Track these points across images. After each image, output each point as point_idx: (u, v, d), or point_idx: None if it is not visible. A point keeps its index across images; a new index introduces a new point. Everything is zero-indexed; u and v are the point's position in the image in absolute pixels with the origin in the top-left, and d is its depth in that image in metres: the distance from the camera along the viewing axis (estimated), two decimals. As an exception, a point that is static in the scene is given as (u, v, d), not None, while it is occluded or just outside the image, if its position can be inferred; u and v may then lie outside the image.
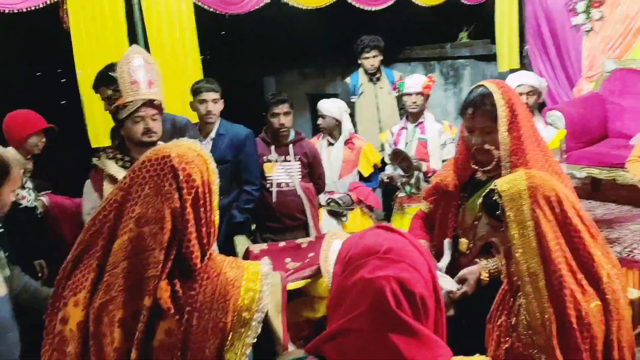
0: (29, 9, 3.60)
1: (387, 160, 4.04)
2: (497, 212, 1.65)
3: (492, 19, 6.18)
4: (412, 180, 3.78)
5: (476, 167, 2.13)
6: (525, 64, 6.21)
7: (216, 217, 1.44)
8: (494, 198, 1.65)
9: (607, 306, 1.57)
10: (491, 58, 6.39)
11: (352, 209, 3.93)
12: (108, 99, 2.49)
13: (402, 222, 3.88)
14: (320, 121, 4.04)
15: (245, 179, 3.45)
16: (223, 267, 1.38)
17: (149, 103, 2.40)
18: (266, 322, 1.41)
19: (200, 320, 1.31)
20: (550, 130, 3.44)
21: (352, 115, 4.88)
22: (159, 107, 2.46)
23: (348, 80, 5.05)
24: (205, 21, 4.37)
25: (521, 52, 6.22)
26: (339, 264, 1.17)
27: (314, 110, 8.33)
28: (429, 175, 3.73)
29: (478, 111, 2.02)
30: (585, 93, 5.13)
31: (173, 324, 1.31)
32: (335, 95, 4.96)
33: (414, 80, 3.82)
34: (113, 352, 1.30)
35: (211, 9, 4.35)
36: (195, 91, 3.44)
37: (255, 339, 1.34)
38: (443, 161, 3.75)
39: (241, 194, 3.44)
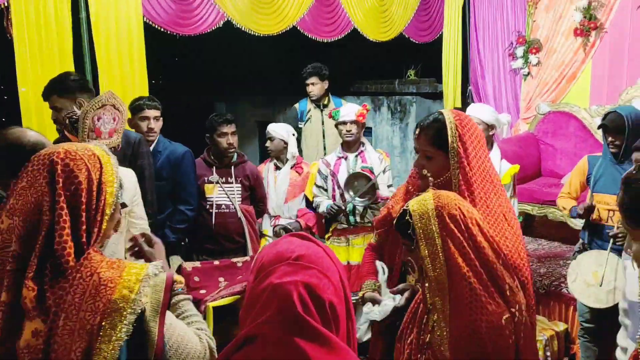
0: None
1: (315, 191, 3.92)
2: (409, 231, 1.72)
3: (439, 59, 6.45)
4: (370, 202, 3.71)
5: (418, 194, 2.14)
6: (468, 103, 6.48)
7: (111, 219, 1.40)
8: (406, 218, 1.72)
9: (513, 318, 1.64)
10: (437, 96, 6.65)
11: (305, 230, 3.90)
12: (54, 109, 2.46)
13: (349, 253, 3.83)
14: (268, 144, 4.05)
15: (181, 197, 3.40)
16: (99, 267, 1.31)
17: None
18: (143, 324, 1.33)
19: (67, 322, 1.25)
20: (504, 164, 3.46)
21: (298, 140, 4.92)
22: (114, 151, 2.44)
23: (297, 105, 5.12)
24: (157, 42, 4.35)
25: (465, 91, 6.50)
26: (252, 272, 1.17)
27: (262, 137, 8.38)
28: (379, 201, 3.75)
29: (422, 133, 2.03)
30: (520, 133, 5.38)
31: (39, 325, 1.25)
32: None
33: (348, 108, 3.85)
34: None
35: (162, 29, 4.35)
36: (137, 108, 3.41)
37: (124, 343, 1.28)
38: (388, 186, 3.82)
39: (175, 213, 3.39)
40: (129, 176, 2.51)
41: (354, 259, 3.79)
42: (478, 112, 3.51)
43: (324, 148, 4.88)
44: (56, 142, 3.23)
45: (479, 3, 6.21)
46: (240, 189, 3.62)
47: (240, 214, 3.60)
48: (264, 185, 3.85)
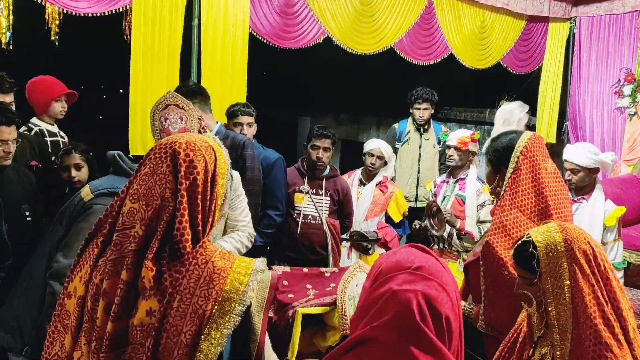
0: (95, 15, 3.76)
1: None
2: (532, 263, 1.63)
3: (535, 91, 6.25)
4: (444, 235, 3.72)
5: None
6: (563, 139, 6.22)
7: (220, 209, 1.44)
8: (530, 249, 1.63)
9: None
10: (529, 129, 6.41)
11: (378, 240, 3.87)
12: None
13: None
14: (373, 160, 4.01)
15: (269, 203, 3.44)
16: (213, 256, 1.36)
17: None
18: (247, 317, 1.38)
19: (180, 304, 1.29)
20: (609, 205, 3.28)
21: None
22: None
23: (396, 126, 5.10)
24: (249, 55, 4.48)
25: (560, 127, 6.24)
26: (369, 279, 1.17)
27: (345, 154, 8.44)
28: (463, 233, 3.67)
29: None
30: (622, 174, 5.08)
31: (154, 304, 1.30)
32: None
33: (456, 134, 3.81)
34: (98, 326, 1.30)
35: (265, 40, 4.48)
36: (232, 114, 3.51)
37: (231, 331, 1.31)
38: (478, 222, 3.69)
39: (264, 218, 3.43)
40: (233, 176, 2.57)
41: None
42: (574, 156, 3.26)
43: (418, 171, 4.84)
44: None
45: (585, 38, 5.98)
46: (329, 202, 3.63)
47: (325, 226, 3.60)
48: (352, 202, 3.84)
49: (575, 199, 3.32)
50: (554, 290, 1.58)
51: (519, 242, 1.71)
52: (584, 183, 3.28)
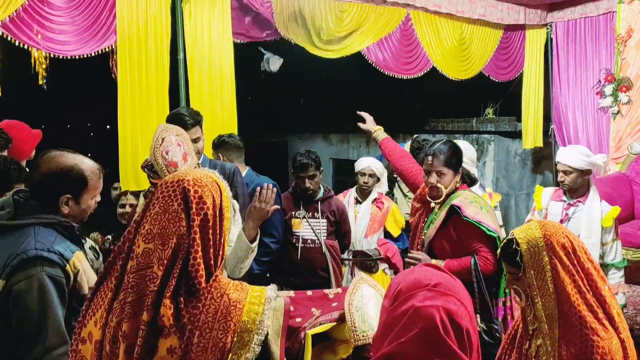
0: (80, 57, 3.80)
1: None
2: (517, 259, 1.76)
3: (519, 97, 6.35)
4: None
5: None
6: (550, 142, 6.31)
7: (228, 243, 1.47)
8: (513, 246, 1.77)
9: (622, 343, 1.68)
10: (516, 135, 6.51)
11: (381, 258, 3.89)
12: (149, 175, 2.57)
13: None
14: (365, 179, 4.06)
15: (265, 230, 3.44)
16: (227, 289, 1.39)
17: None
18: (265, 345, 1.40)
19: (200, 339, 1.32)
20: (605, 206, 3.36)
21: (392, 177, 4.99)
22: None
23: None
24: (236, 82, 4.52)
25: (546, 130, 6.34)
26: (387, 298, 1.21)
27: (337, 173, 8.48)
28: None
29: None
30: (611, 173, 5.16)
31: (175, 342, 1.32)
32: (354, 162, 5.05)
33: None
34: None
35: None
36: (220, 143, 3.55)
37: None
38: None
39: (260, 246, 3.42)
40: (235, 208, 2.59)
41: None
42: (566, 158, 3.37)
43: None
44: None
45: (562, 42, 6.11)
46: (326, 224, 3.65)
47: (325, 249, 3.61)
48: (349, 220, 3.87)
49: (572, 202, 3.42)
50: (538, 282, 1.72)
51: (505, 240, 1.84)
52: (576, 184, 3.37)
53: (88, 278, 1.88)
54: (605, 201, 3.36)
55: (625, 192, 4.81)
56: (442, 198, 2.77)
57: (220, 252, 1.43)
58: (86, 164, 1.91)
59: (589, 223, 3.28)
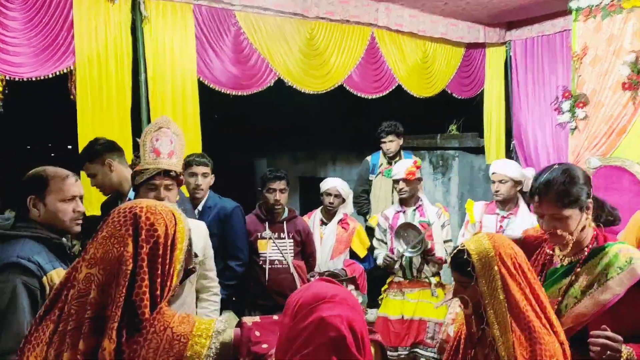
0: (37, 79, 3.69)
1: (375, 244, 4.02)
2: (468, 269, 1.83)
3: (482, 113, 6.47)
4: (419, 253, 3.72)
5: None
6: (512, 157, 6.44)
7: (178, 275, 1.41)
8: (465, 257, 1.85)
9: (562, 346, 1.77)
10: (479, 150, 6.63)
11: (349, 279, 3.87)
12: (133, 162, 2.57)
13: (403, 307, 3.83)
14: (331, 200, 4.04)
15: (230, 253, 3.40)
16: (172, 322, 1.34)
17: (165, 173, 2.45)
18: None
19: None
20: (534, 217, 3.52)
21: (367, 192, 5.03)
22: (175, 178, 2.51)
23: (369, 159, 5.25)
24: (200, 100, 4.48)
25: (508, 146, 6.47)
26: (287, 316, 1.28)
27: (304, 192, 8.46)
28: (432, 253, 3.72)
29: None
30: (571, 187, 5.27)
31: None
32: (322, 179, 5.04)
33: (399, 167, 3.90)
34: None
35: (219, 89, 4.49)
36: (186, 164, 3.50)
37: None
38: (445, 242, 3.82)
39: (225, 270, 3.37)
40: (201, 228, 2.56)
41: (407, 313, 3.78)
42: (504, 169, 3.65)
43: (392, 202, 4.92)
44: (103, 205, 3.34)
45: (521, 59, 6.27)
46: (292, 244, 3.63)
47: (292, 269, 3.58)
48: (314, 241, 3.85)
49: (505, 215, 3.71)
50: (489, 290, 1.79)
51: (454, 251, 1.93)
52: (510, 195, 3.69)
53: None
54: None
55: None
56: (581, 254, 1.98)
57: (168, 283, 1.37)
58: (51, 169, 2.08)
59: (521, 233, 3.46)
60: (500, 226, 3.69)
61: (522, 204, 3.71)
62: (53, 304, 1.36)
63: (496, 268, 1.79)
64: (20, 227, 1.98)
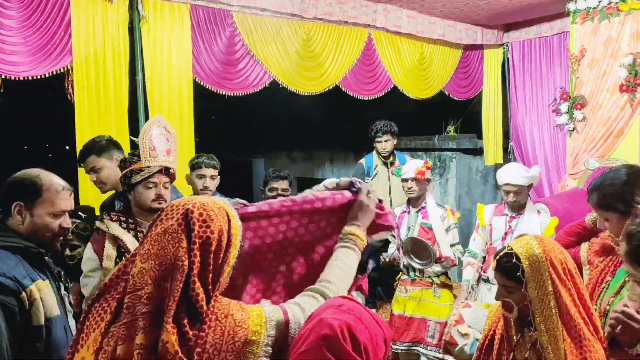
0: (34, 78, 3.68)
1: (389, 237, 4.04)
2: (517, 274, 1.77)
3: (479, 115, 6.48)
4: (430, 266, 3.75)
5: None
6: (509, 159, 6.44)
7: (229, 270, 1.44)
8: (513, 261, 1.78)
9: (605, 352, 1.76)
10: (477, 152, 6.63)
11: None
12: (123, 162, 2.54)
13: (406, 304, 3.88)
14: None
15: None
16: (230, 309, 1.37)
17: (164, 170, 2.45)
18: None
19: None
20: (544, 217, 3.65)
21: None
22: (171, 176, 2.52)
23: (363, 161, 5.19)
24: (198, 101, 4.49)
25: (506, 147, 6.48)
26: (303, 327, 1.33)
27: (301, 191, 8.45)
28: (442, 260, 3.74)
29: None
30: (569, 189, 5.28)
31: None
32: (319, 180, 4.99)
33: (409, 166, 3.89)
34: None
35: (213, 89, 4.49)
36: (195, 165, 3.48)
37: None
38: (452, 245, 3.81)
39: None
40: None
41: (409, 310, 3.83)
42: (516, 179, 3.58)
43: (391, 204, 4.90)
44: (103, 205, 3.31)
45: (518, 61, 6.28)
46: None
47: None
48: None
49: (513, 215, 3.70)
50: (539, 296, 1.74)
51: (500, 253, 1.85)
52: (524, 200, 3.68)
53: (47, 308, 1.82)
54: (544, 213, 3.69)
55: (583, 207, 4.87)
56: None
57: (221, 278, 1.41)
58: (47, 178, 1.91)
59: (531, 230, 3.51)
60: (510, 226, 3.68)
61: (529, 203, 3.71)
62: (102, 295, 1.39)
63: (547, 274, 1.74)
64: None
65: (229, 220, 1.43)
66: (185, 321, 1.30)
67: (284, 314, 1.41)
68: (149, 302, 1.30)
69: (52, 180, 1.93)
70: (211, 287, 1.37)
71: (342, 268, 1.60)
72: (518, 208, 3.69)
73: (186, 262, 1.32)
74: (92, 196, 3.90)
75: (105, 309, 1.36)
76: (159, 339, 1.27)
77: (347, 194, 1.81)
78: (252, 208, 1.73)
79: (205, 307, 1.33)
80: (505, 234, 3.68)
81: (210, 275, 1.36)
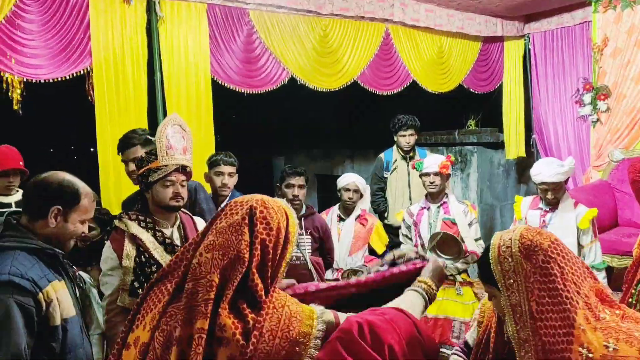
0: (55, 80, 3.74)
1: (401, 239, 4.00)
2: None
3: (500, 108, 6.39)
4: (455, 261, 3.66)
5: None
6: (532, 152, 6.34)
7: (285, 265, 1.52)
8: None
9: None
10: (499, 146, 6.54)
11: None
12: (140, 161, 2.54)
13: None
14: (350, 194, 4.02)
15: None
16: (287, 301, 1.45)
17: (181, 169, 2.47)
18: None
19: (264, 346, 1.36)
20: (581, 209, 3.47)
21: (383, 190, 4.96)
22: (188, 174, 2.53)
23: (382, 156, 5.14)
24: (218, 101, 4.52)
25: (528, 140, 6.37)
26: None
27: (321, 189, 8.45)
28: (467, 255, 3.67)
29: None
30: (593, 181, 5.18)
31: (235, 350, 1.34)
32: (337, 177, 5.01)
33: (432, 160, 3.84)
34: None
35: (230, 87, 4.51)
36: (213, 163, 3.50)
37: None
38: (476, 240, 3.74)
39: None
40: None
41: (432, 311, 3.77)
42: (549, 177, 3.42)
43: (410, 199, 4.87)
44: (124, 202, 3.33)
45: (540, 52, 6.18)
46: (310, 240, 3.61)
47: (310, 265, 3.57)
48: (332, 237, 3.83)
49: (547, 209, 3.55)
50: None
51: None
52: (562, 195, 3.52)
53: (63, 309, 1.85)
54: (582, 204, 3.49)
55: (607, 200, 4.82)
56: None
57: (277, 274, 1.49)
58: (82, 186, 1.96)
59: (564, 226, 3.39)
60: (544, 221, 3.55)
61: (566, 196, 3.55)
62: (164, 278, 1.50)
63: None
64: (11, 236, 1.82)
65: (287, 218, 1.53)
66: (245, 305, 1.39)
67: (335, 317, 1.48)
68: (212, 290, 1.38)
69: (85, 187, 1.97)
70: (270, 280, 1.45)
71: (406, 303, 1.60)
72: (555, 204, 3.56)
73: (247, 256, 1.41)
74: (114, 195, 3.96)
75: (163, 292, 1.47)
76: (215, 324, 1.36)
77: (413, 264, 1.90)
78: (323, 285, 1.81)
79: (264, 297, 1.40)
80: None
81: (269, 270, 1.45)
